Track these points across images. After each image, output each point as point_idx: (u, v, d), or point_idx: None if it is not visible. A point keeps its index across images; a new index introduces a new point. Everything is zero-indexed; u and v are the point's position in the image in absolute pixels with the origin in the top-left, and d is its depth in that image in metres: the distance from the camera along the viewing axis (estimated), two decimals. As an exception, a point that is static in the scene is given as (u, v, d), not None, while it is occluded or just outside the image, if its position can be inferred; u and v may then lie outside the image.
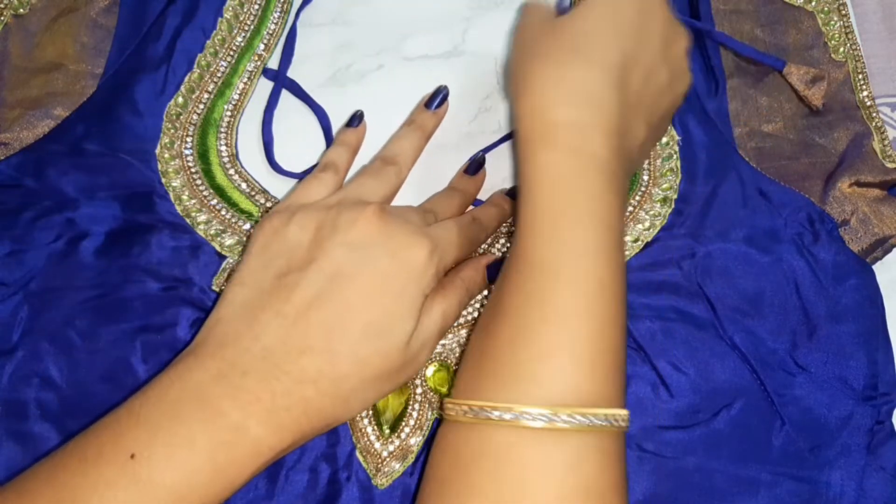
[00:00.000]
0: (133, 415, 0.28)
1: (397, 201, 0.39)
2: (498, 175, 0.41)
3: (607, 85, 0.32)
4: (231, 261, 0.37)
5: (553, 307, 0.29)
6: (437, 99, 0.40)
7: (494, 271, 0.34)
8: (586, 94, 0.31)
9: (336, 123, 0.42)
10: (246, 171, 0.40)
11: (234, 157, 0.41)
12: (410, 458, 0.35)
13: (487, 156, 0.41)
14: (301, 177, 0.40)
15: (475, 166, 0.40)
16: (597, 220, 0.30)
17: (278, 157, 0.41)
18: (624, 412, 0.28)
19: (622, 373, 0.29)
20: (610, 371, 0.29)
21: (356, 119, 0.40)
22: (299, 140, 0.42)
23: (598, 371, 0.28)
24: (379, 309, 0.30)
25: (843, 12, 0.43)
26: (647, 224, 0.39)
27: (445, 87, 0.41)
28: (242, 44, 0.43)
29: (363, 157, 0.41)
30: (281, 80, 0.42)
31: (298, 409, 0.29)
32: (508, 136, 0.42)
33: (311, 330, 0.30)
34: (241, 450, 0.28)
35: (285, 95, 0.43)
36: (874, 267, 0.39)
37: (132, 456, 0.27)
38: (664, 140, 0.41)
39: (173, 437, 0.28)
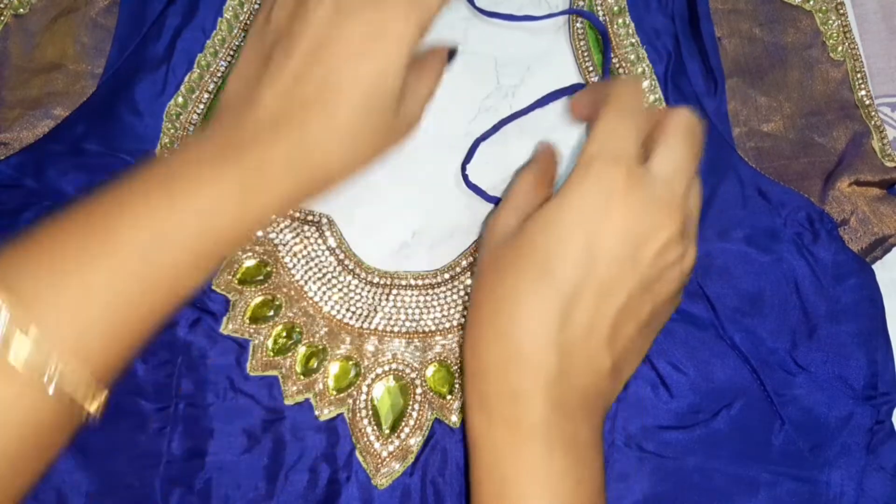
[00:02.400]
0: (152, 172, 0.30)
1: (401, 202, 0.39)
2: (497, 175, 0.41)
3: (543, 338, 0.29)
4: (231, 260, 0.37)
5: None
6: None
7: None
8: (521, 356, 0.29)
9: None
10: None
11: (234, 157, 0.41)
12: (410, 458, 0.35)
13: (488, 153, 0.41)
14: None
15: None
16: (537, 494, 0.29)
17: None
18: None
19: None
20: None
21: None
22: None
23: None
24: (365, 68, 0.31)
25: (841, 11, 0.43)
26: (646, 224, 0.39)
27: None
28: (242, 44, 0.43)
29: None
30: None
31: (312, 152, 0.30)
32: (503, 122, 0.42)
33: (307, 96, 0.31)
34: (270, 176, 0.29)
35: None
36: (874, 266, 0.39)
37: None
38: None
39: (200, 176, 0.29)
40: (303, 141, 0.30)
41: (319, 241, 0.38)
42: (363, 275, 0.38)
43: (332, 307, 0.37)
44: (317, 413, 0.35)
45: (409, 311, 0.37)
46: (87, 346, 0.26)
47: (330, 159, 0.31)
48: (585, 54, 0.43)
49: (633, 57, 0.42)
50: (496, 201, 0.40)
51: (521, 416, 0.29)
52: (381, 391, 0.36)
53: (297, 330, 0.36)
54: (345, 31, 0.31)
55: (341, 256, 0.38)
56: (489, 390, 0.30)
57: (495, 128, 0.42)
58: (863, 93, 0.41)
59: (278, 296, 0.37)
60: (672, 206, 0.30)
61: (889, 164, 0.40)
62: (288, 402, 0.35)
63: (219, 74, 0.42)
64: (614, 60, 0.43)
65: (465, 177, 0.40)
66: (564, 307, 0.29)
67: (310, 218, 0.39)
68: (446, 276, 0.38)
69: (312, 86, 0.31)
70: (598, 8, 0.44)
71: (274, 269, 0.37)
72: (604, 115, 0.31)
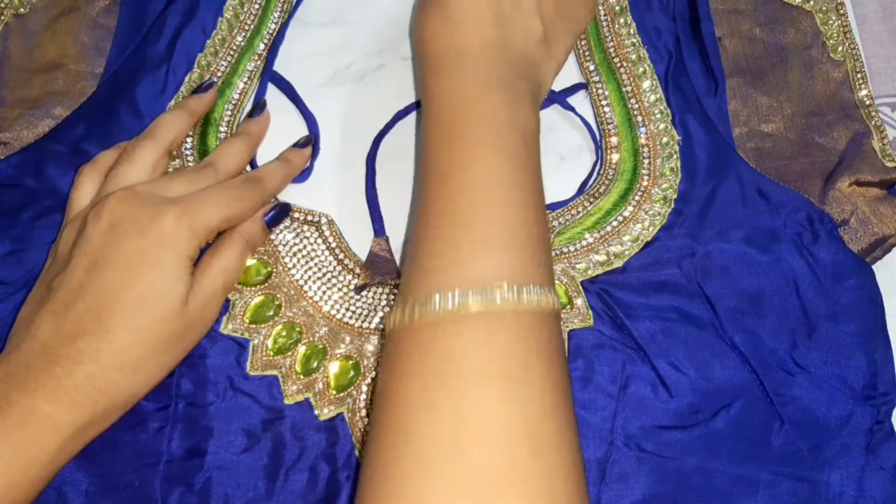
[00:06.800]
0: None
1: (401, 202, 0.39)
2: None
3: (483, 14, 0.36)
4: (231, 260, 0.37)
5: (452, 206, 0.32)
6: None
7: (272, 219, 0.37)
8: (465, 28, 0.36)
9: (336, 124, 0.42)
10: (245, 170, 0.40)
11: (234, 156, 0.41)
12: (410, 458, 0.35)
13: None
14: None
15: (259, 108, 0.41)
16: (482, 122, 0.33)
17: (272, 158, 0.41)
18: (540, 294, 0.30)
19: (534, 257, 0.31)
20: (522, 251, 0.31)
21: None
22: (292, 141, 0.41)
23: (507, 252, 0.31)
24: (141, 282, 0.32)
25: (842, 11, 0.43)
26: (646, 223, 0.39)
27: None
28: (243, 43, 0.43)
29: (363, 157, 0.41)
30: (265, 83, 0.42)
31: (87, 385, 0.30)
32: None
33: (80, 317, 0.31)
34: (37, 428, 0.29)
35: (282, 95, 0.43)
36: (874, 267, 0.39)
37: None
38: (664, 140, 0.41)
39: None
40: (73, 374, 0.30)
41: (319, 240, 0.38)
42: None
43: (332, 307, 0.37)
44: (317, 412, 0.35)
45: (409, 310, 0.37)
46: None
47: (110, 387, 0.31)
48: (587, 54, 0.43)
49: (634, 57, 0.42)
50: None
51: (465, 65, 0.35)
52: (381, 391, 0.36)
53: (297, 329, 0.37)
54: (120, 246, 0.32)
55: (341, 256, 0.38)
56: (438, 54, 0.36)
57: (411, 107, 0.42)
58: (863, 93, 0.41)
59: (278, 295, 0.37)
60: None
61: (889, 164, 0.40)
62: (288, 401, 0.35)
63: (219, 74, 0.42)
64: (616, 59, 0.43)
65: None
66: None
67: (310, 218, 0.39)
68: (446, 275, 0.38)
69: (85, 310, 0.31)
70: (600, 7, 0.44)
71: (274, 269, 0.38)
72: None
